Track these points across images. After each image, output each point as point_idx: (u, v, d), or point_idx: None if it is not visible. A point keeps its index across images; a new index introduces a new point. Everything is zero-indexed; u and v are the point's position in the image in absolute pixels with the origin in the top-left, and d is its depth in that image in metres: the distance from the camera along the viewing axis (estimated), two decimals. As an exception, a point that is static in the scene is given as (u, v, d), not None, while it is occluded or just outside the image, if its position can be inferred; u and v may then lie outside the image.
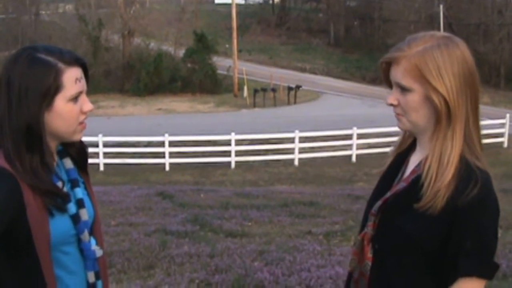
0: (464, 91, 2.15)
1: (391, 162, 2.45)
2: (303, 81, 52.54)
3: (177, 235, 9.41)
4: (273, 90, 46.79)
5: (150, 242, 8.77)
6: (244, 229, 10.35)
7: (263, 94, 45.46)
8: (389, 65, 2.26)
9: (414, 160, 2.32)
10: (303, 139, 26.81)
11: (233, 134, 25.99)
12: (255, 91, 45.48)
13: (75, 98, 2.27)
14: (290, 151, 26.62)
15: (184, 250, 8.36)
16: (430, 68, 2.13)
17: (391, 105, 2.27)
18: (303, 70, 63.82)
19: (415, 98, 2.18)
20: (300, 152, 26.53)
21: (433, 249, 2.14)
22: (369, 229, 2.31)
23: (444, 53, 2.14)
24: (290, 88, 46.84)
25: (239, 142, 26.41)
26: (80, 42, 55.64)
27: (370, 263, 2.28)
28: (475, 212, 2.08)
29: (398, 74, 2.20)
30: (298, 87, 46.96)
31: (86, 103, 2.32)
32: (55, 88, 2.21)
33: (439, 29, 54.89)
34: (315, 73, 63.00)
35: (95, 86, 46.74)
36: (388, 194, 2.28)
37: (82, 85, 2.31)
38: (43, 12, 66.45)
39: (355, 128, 26.39)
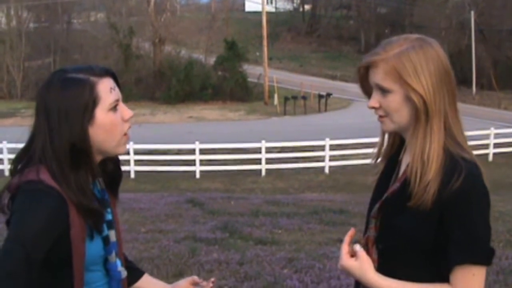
0: (441, 88, 2.22)
1: (385, 166, 2.50)
2: (334, 88, 52.51)
3: (207, 242, 9.41)
4: (304, 98, 46.77)
5: (179, 249, 8.79)
6: (274, 236, 10.34)
7: (294, 102, 45.46)
8: (367, 70, 2.33)
9: (405, 160, 2.36)
10: (333, 147, 26.70)
11: (263, 142, 25.94)
12: (286, 99, 45.49)
13: (114, 108, 2.29)
14: (321, 158, 26.52)
15: (213, 257, 8.36)
16: (407, 69, 2.20)
17: (373, 108, 2.33)
18: (333, 77, 63.76)
19: (396, 98, 2.25)
20: (330, 160, 26.39)
21: (430, 246, 2.19)
22: (371, 232, 2.35)
23: (419, 53, 2.21)
24: (320, 96, 46.80)
25: (269, 150, 26.35)
26: (111, 50, 56.10)
27: (375, 265, 2.29)
28: (460, 203, 2.12)
29: (377, 76, 2.27)
30: (328, 94, 46.91)
31: (125, 111, 2.34)
32: (93, 101, 2.23)
33: (470, 36, 54.60)
34: (345, 80, 62.80)
35: (126, 94, 46.62)
36: (385, 196, 2.32)
37: (118, 93, 2.33)
38: (75, 21, 67.01)
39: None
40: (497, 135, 28.83)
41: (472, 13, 58.12)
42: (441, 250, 2.16)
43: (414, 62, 2.19)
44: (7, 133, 23.90)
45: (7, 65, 55.75)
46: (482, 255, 2.14)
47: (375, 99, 2.30)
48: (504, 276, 7.26)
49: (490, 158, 27.48)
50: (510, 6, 61.91)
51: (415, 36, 2.29)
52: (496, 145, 28.48)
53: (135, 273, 2.66)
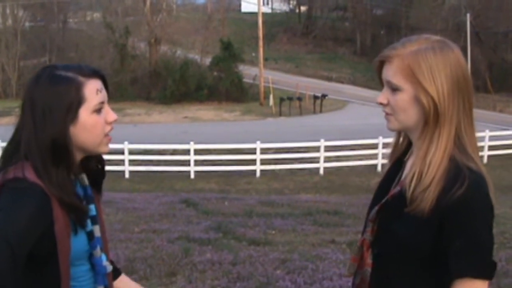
0: (456, 95, 2.15)
1: (389, 168, 2.44)
2: (329, 90, 52.52)
3: (200, 243, 9.40)
4: (299, 99, 46.80)
5: (173, 249, 8.78)
6: (267, 237, 10.33)
7: (289, 103, 45.50)
8: (382, 64, 2.25)
9: (410, 164, 2.28)
10: (328, 148, 26.72)
11: (258, 142, 25.95)
12: (281, 99, 45.52)
13: (98, 110, 2.30)
14: (316, 160, 26.55)
15: (206, 257, 8.35)
16: (422, 68, 2.13)
17: (381, 104, 2.26)
18: (329, 79, 63.78)
19: (404, 97, 2.17)
20: (325, 161, 26.43)
21: (427, 254, 2.14)
22: (367, 235, 2.29)
23: (438, 55, 2.14)
24: (316, 97, 46.83)
25: (264, 151, 26.38)
26: (107, 50, 56.07)
27: (369, 269, 2.26)
28: (462, 211, 2.06)
29: (389, 72, 2.20)
30: (324, 96, 46.92)
31: (109, 114, 2.35)
32: (78, 101, 2.25)
33: (466, 38, 54.68)
34: (341, 82, 62.94)
35: (122, 94, 47.03)
36: (385, 199, 2.27)
37: (104, 95, 2.34)
38: (71, 20, 66.93)
39: (381, 138, 26.16)
40: (492, 138, 28.90)
41: (468, 15, 58.19)
42: (439, 260, 2.12)
43: (431, 63, 2.13)
44: (2, 132, 23.88)
45: (2, 64, 55.72)
46: (483, 267, 2.08)
47: (384, 96, 2.24)
48: (497, 279, 7.25)
49: (485, 160, 27.49)
50: (506, 8, 62.09)
51: (437, 37, 2.23)
52: (491, 148, 28.57)
53: (112, 273, 2.68)
